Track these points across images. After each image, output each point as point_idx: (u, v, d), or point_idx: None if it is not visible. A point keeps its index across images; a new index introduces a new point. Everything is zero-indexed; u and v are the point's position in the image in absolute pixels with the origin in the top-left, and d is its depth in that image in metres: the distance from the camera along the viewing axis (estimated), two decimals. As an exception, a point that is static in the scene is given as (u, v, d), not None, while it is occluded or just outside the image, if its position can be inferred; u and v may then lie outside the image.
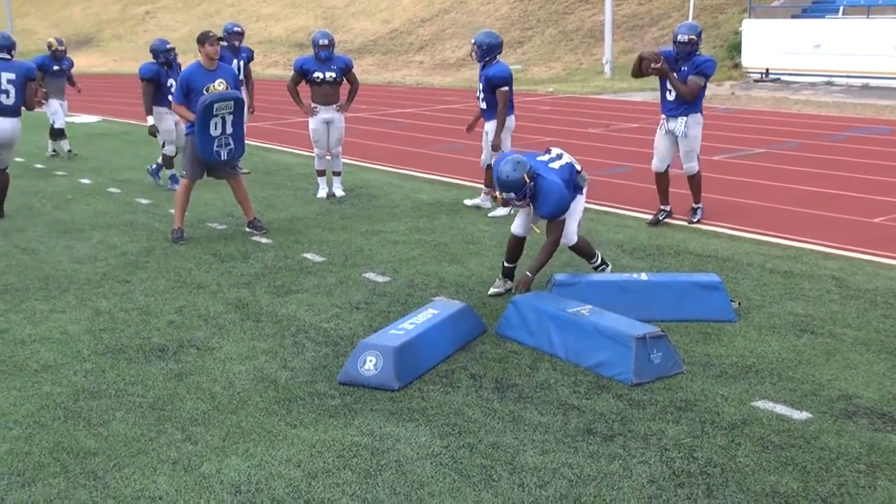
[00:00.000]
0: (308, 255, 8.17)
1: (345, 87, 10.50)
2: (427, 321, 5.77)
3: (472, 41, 9.40)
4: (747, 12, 24.41)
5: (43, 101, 13.71)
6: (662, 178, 8.85)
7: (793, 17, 23.48)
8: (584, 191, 6.88)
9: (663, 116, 8.74)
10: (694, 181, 8.93)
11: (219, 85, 8.64)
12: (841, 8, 22.68)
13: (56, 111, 14.04)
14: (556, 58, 28.73)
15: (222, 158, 8.68)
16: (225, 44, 11.69)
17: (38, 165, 13.84)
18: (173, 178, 11.41)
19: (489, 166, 9.45)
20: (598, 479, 4.22)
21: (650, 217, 8.96)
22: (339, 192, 10.78)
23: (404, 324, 5.74)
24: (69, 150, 14.28)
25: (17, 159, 14.10)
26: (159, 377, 5.53)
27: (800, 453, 4.42)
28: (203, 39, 8.68)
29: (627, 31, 28.40)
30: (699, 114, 8.65)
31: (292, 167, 12.99)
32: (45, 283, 7.54)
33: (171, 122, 11.34)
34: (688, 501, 4.03)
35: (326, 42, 10.27)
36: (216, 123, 8.47)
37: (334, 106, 10.43)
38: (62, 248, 8.66)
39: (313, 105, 10.38)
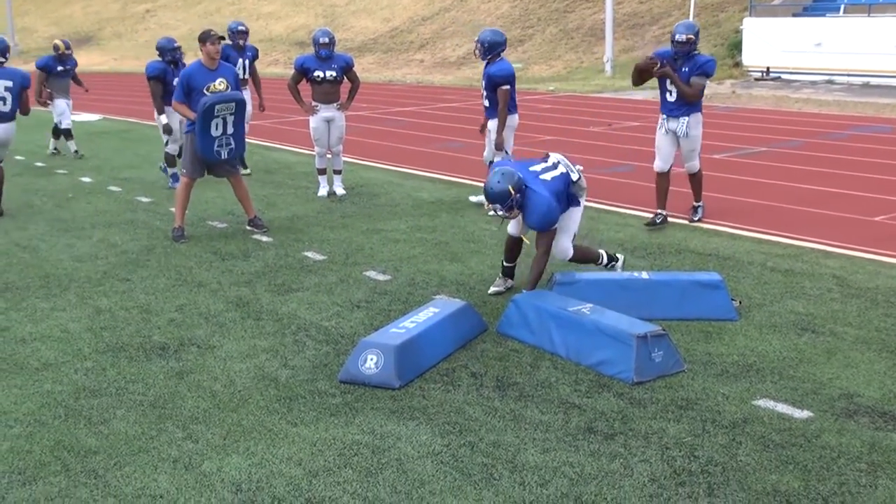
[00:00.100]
0: (309, 254, 8.17)
1: (345, 86, 10.50)
2: (428, 320, 5.76)
3: (476, 39, 9.39)
4: (748, 11, 24.38)
5: (48, 102, 13.78)
6: (664, 180, 8.80)
7: (794, 15, 23.45)
8: (582, 201, 6.72)
9: (663, 116, 8.71)
10: (695, 179, 8.92)
11: (219, 84, 8.64)
12: (842, 6, 22.66)
13: (63, 111, 14.03)
14: (557, 56, 28.72)
15: (222, 157, 8.69)
16: (230, 43, 11.72)
17: (39, 164, 13.84)
18: (174, 177, 11.40)
19: (492, 163, 9.44)
20: (599, 477, 4.22)
21: (649, 218, 8.89)
22: (339, 190, 10.78)
23: (405, 322, 5.74)
24: (76, 151, 14.27)
25: (18, 157, 14.14)
26: (160, 375, 5.53)
27: (801, 452, 4.42)
28: (204, 38, 8.68)
29: (628, 29, 28.39)
30: (699, 113, 8.65)
31: (293, 165, 12.99)
32: (45, 281, 7.54)
33: (176, 120, 11.34)
34: (689, 500, 4.02)
35: (327, 40, 10.27)
36: (217, 124, 8.48)
37: (335, 104, 10.42)
38: (63, 247, 8.66)
39: (314, 103, 10.37)
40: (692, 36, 8.33)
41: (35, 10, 52.66)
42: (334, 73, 10.28)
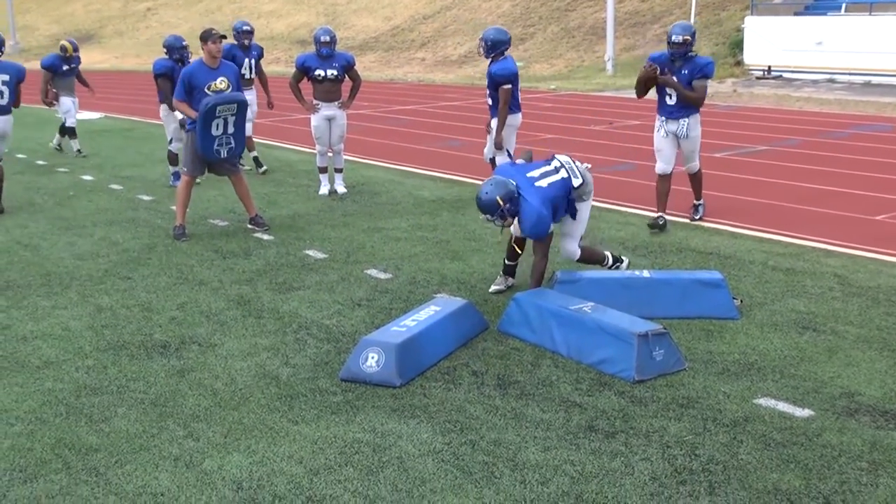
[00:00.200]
0: (310, 252, 8.17)
1: (347, 84, 10.50)
2: (429, 318, 5.77)
3: (480, 37, 9.36)
4: (749, 9, 24.38)
5: (54, 102, 13.80)
6: (666, 183, 8.75)
7: (795, 14, 23.44)
8: (589, 201, 6.66)
9: (661, 118, 8.64)
10: (696, 178, 8.91)
11: (220, 83, 8.65)
12: (843, 5, 22.64)
13: (69, 109, 14.05)
14: (558, 55, 28.71)
15: (222, 157, 8.71)
16: (235, 42, 11.73)
17: (40, 162, 13.84)
18: (175, 175, 11.40)
19: (492, 160, 9.42)
20: (599, 476, 4.22)
21: (651, 218, 8.80)
22: (340, 188, 10.78)
23: (406, 321, 5.74)
24: (78, 150, 14.27)
25: (20, 156, 14.15)
26: (161, 374, 5.54)
27: (802, 451, 4.42)
28: (206, 37, 8.68)
29: (629, 28, 28.38)
30: (698, 113, 8.60)
31: (294, 164, 12.99)
32: (46, 279, 7.54)
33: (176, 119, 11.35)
34: (689, 499, 4.03)
35: (328, 39, 10.27)
36: (218, 124, 8.50)
37: (336, 103, 10.42)
38: (64, 245, 8.66)
39: (315, 102, 10.37)
40: (688, 37, 8.30)
41: (36, 8, 52.67)
42: (335, 72, 10.28)
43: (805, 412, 4.82)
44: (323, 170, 10.79)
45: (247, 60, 11.80)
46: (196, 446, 4.59)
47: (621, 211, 9.44)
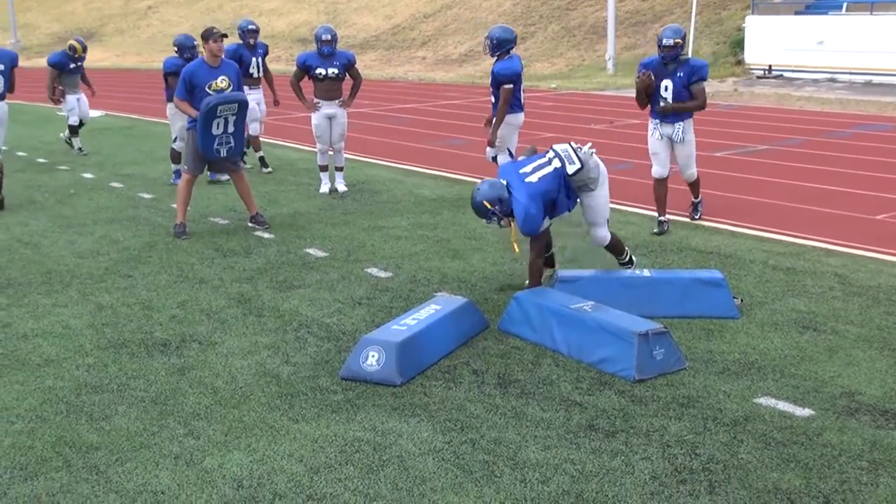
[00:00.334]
0: (310, 251, 8.17)
1: (347, 83, 10.49)
2: (429, 317, 5.77)
3: (486, 35, 9.34)
4: (750, 9, 24.37)
5: (61, 99, 13.83)
6: (663, 186, 8.72)
7: (796, 13, 23.43)
8: (600, 186, 6.53)
9: (655, 122, 8.57)
10: (695, 187, 8.89)
11: (221, 82, 8.66)
12: (844, 5, 22.63)
13: (72, 108, 14.06)
14: (559, 54, 28.70)
15: (222, 156, 8.72)
16: (241, 42, 11.74)
17: (41, 160, 13.84)
18: (177, 174, 11.40)
19: (494, 158, 9.41)
20: (600, 475, 4.22)
21: (657, 228, 8.65)
22: (341, 187, 10.78)
23: (407, 319, 5.75)
24: (79, 149, 14.28)
25: (20, 153, 14.15)
26: (161, 372, 5.54)
27: (802, 450, 4.42)
28: (207, 36, 8.69)
29: (630, 27, 28.37)
30: (692, 118, 8.54)
31: (295, 162, 12.99)
32: (47, 277, 7.55)
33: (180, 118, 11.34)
34: (690, 498, 4.03)
35: (329, 37, 10.27)
36: (218, 123, 8.52)
37: (337, 101, 10.42)
38: (65, 243, 8.66)
39: (316, 100, 10.38)
40: (679, 40, 8.25)
41: (37, 7, 52.65)
42: (336, 70, 10.29)
43: (805, 411, 4.82)
44: (324, 168, 10.79)
45: (254, 59, 11.80)
46: (196, 444, 4.59)
47: (622, 210, 9.43)
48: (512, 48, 9.14)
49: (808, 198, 9.89)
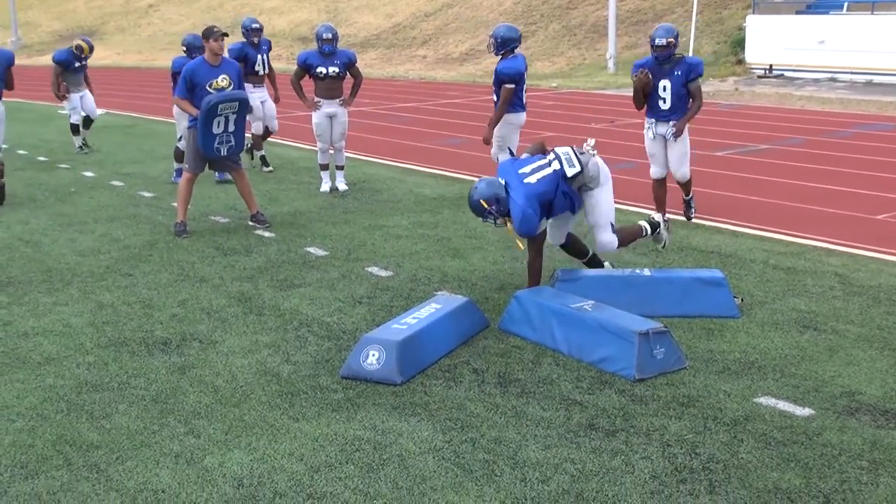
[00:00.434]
0: (311, 249, 8.17)
1: (348, 81, 10.50)
2: (430, 316, 5.77)
3: (490, 33, 9.33)
4: (751, 8, 24.35)
5: (66, 96, 13.86)
6: (662, 186, 8.70)
7: (797, 13, 23.41)
8: (600, 191, 6.44)
9: (651, 121, 8.54)
10: (686, 188, 8.79)
11: (222, 80, 8.67)
12: (845, 4, 22.62)
13: (75, 106, 14.07)
14: (560, 53, 28.69)
15: (222, 154, 8.72)
16: (244, 40, 11.74)
17: (41, 158, 13.84)
18: (178, 172, 11.41)
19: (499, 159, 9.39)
20: (600, 474, 4.22)
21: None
22: (342, 186, 10.79)
23: (407, 318, 5.75)
24: (80, 147, 14.28)
25: (20, 152, 14.15)
26: (162, 370, 5.54)
27: (802, 450, 4.42)
28: (208, 35, 8.70)
29: (631, 26, 28.36)
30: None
31: (295, 161, 12.99)
32: (48, 275, 7.55)
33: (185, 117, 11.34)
34: (690, 497, 4.03)
35: (330, 36, 10.27)
36: (219, 122, 8.52)
37: (337, 100, 10.43)
38: (65, 241, 8.67)
39: (316, 99, 10.38)
40: (672, 39, 8.22)
41: (38, 5, 52.63)
42: (337, 69, 10.29)
43: (805, 411, 4.82)
44: (324, 167, 10.79)
45: (259, 57, 11.80)
46: (197, 443, 4.59)
47: (623, 209, 9.42)
48: (516, 47, 9.12)
49: (808, 197, 9.89)
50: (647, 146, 8.66)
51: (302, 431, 4.70)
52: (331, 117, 10.44)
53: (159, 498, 4.10)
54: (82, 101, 14.12)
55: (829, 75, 21.60)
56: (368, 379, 5.27)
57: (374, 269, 7.51)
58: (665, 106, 8.40)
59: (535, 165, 6.39)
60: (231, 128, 8.63)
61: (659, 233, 6.93)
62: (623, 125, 15.88)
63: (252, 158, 12.37)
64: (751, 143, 13.47)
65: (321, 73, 10.25)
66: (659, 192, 8.71)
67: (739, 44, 24.16)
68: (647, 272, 6.56)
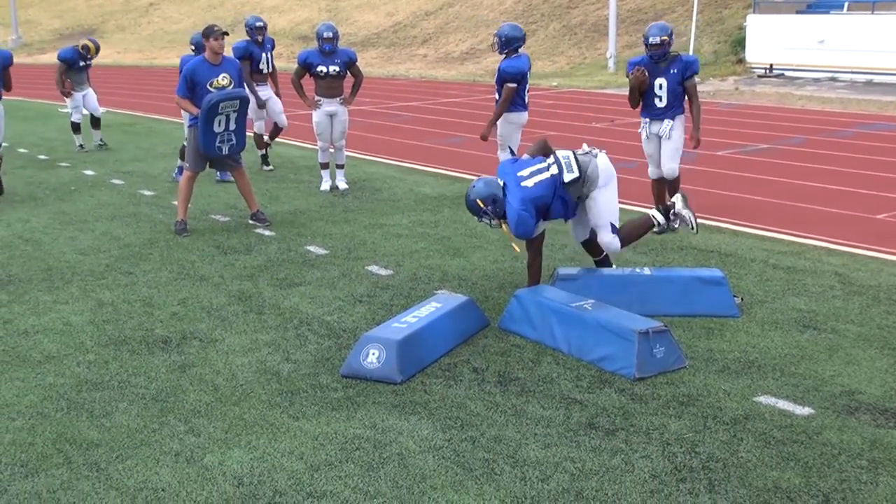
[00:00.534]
0: (311, 248, 8.17)
1: (349, 80, 10.50)
2: (430, 314, 5.77)
3: (495, 32, 9.32)
4: (751, 7, 24.34)
5: (70, 93, 13.88)
6: (661, 186, 8.72)
7: (797, 12, 23.40)
8: (602, 192, 6.36)
9: (646, 121, 8.50)
10: (672, 187, 8.54)
11: (223, 79, 8.67)
12: (845, 4, 22.60)
13: (77, 105, 14.09)
14: (560, 52, 28.69)
15: (223, 153, 8.73)
16: (248, 38, 11.73)
17: (42, 157, 13.84)
18: (179, 170, 11.41)
19: None
20: (600, 473, 4.23)
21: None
22: (342, 185, 10.79)
23: (407, 317, 5.75)
24: (80, 146, 14.28)
25: (21, 150, 14.15)
26: (162, 369, 5.54)
27: (802, 449, 4.42)
28: (208, 33, 8.70)
29: (632, 25, 28.35)
30: (683, 115, 8.45)
31: (296, 160, 12.99)
32: (48, 274, 7.55)
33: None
34: (689, 496, 4.03)
35: (330, 35, 10.27)
36: (220, 121, 8.52)
37: (338, 99, 10.43)
38: (66, 240, 8.67)
39: (317, 98, 10.38)
40: (666, 37, 8.18)
41: (39, 3, 52.61)
42: (337, 68, 10.29)
43: (805, 410, 4.82)
44: (324, 166, 10.79)
45: (264, 55, 11.81)
46: (197, 442, 4.60)
47: (623, 209, 9.39)
48: (520, 46, 9.11)
49: (808, 197, 9.89)
50: (645, 147, 8.64)
51: (302, 430, 4.70)
52: (331, 116, 10.44)
53: (159, 496, 4.10)
54: (85, 100, 14.14)
55: (830, 75, 21.60)
56: (368, 378, 5.27)
57: (375, 268, 7.51)
58: (661, 104, 8.36)
59: (533, 168, 6.34)
60: (232, 126, 8.64)
61: (676, 213, 6.65)
62: (623, 124, 15.88)
63: (267, 165, 12.32)
64: (751, 143, 13.47)
65: (322, 71, 10.25)
66: (659, 190, 8.70)
67: (740, 43, 24.15)
68: (647, 271, 6.56)
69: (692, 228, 6.77)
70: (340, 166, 10.80)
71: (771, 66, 22.82)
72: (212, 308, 6.64)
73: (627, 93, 8.62)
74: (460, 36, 32.47)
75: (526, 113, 9.29)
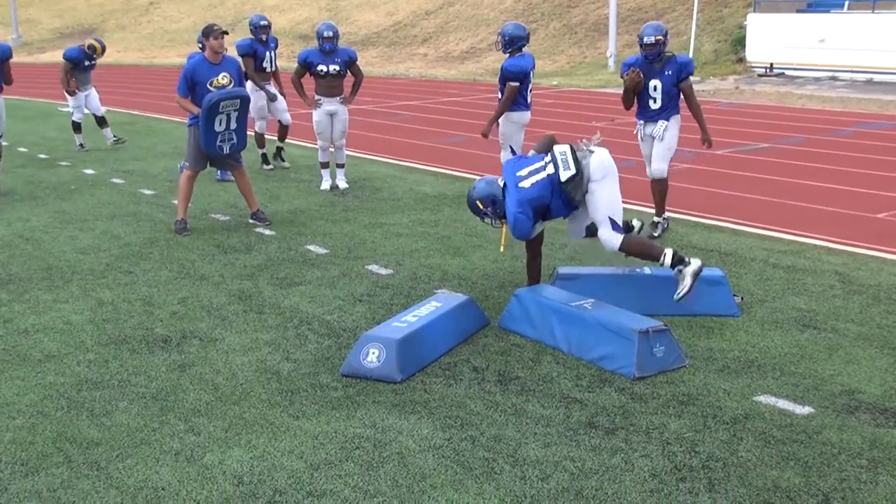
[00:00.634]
0: (311, 247, 8.18)
1: (349, 80, 10.50)
2: (430, 314, 5.77)
3: (499, 31, 9.32)
4: (752, 6, 24.35)
5: (75, 92, 13.90)
6: (663, 188, 8.70)
7: (797, 11, 23.40)
8: (601, 185, 6.12)
9: (641, 122, 8.44)
10: (660, 188, 8.41)
11: (223, 78, 8.67)
12: (846, 3, 22.61)
13: (79, 104, 14.10)
14: (560, 51, 28.69)
15: (224, 152, 8.73)
16: (252, 37, 11.74)
17: (42, 156, 13.84)
18: (182, 168, 11.40)
19: None
20: (599, 472, 4.23)
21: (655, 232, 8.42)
22: (342, 184, 10.79)
23: (407, 316, 5.75)
24: (81, 145, 14.29)
25: (21, 149, 14.15)
26: (162, 368, 5.55)
27: (801, 448, 4.42)
28: (208, 33, 8.70)
29: (632, 24, 28.34)
30: (679, 115, 8.38)
31: (296, 159, 12.98)
32: (48, 273, 7.55)
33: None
34: (689, 495, 4.03)
35: (331, 34, 10.28)
36: (221, 120, 8.52)
37: (338, 98, 10.43)
38: (66, 239, 8.67)
39: (317, 97, 10.38)
40: (661, 37, 8.09)
41: (39, 2, 52.61)
42: (338, 67, 10.29)
43: (805, 409, 4.83)
44: (325, 165, 10.79)
45: (268, 54, 11.81)
46: (197, 441, 4.60)
47: (624, 208, 9.40)
48: (524, 45, 9.11)
49: (808, 196, 9.89)
50: (642, 149, 8.60)
51: (302, 429, 4.70)
52: (331, 115, 10.44)
53: (159, 495, 4.10)
54: (87, 100, 14.14)
55: (830, 74, 21.60)
56: (368, 377, 5.28)
57: (375, 267, 7.51)
58: (655, 106, 8.28)
59: (532, 168, 6.23)
60: (233, 125, 8.64)
61: (682, 273, 6.06)
62: (624, 123, 15.87)
63: (282, 160, 12.32)
64: (751, 142, 13.47)
65: (322, 71, 10.26)
66: (663, 188, 8.68)
67: (740, 42, 24.15)
68: (647, 270, 6.55)
69: (680, 295, 6.17)
70: (341, 165, 10.80)
71: (771, 65, 22.83)
72: (212, 307, 6.64)
73: (622, 94, 8.58)
74: (460, 35, 32.47)
75: (528, 112, 9.28)
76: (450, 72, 28.06)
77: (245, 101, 8.71)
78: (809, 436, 4.54)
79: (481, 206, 6.24)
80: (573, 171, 6.09)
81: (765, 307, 6.39)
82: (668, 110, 8.28)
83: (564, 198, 6.17)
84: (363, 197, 10.30)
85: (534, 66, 9.28)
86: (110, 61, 36.95)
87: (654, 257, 6.14)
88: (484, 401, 5.00)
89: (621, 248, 6.14)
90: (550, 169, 6.17)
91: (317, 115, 10.44)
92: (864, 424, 4.65)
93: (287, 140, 12.58)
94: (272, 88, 11.85)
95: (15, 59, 11.21)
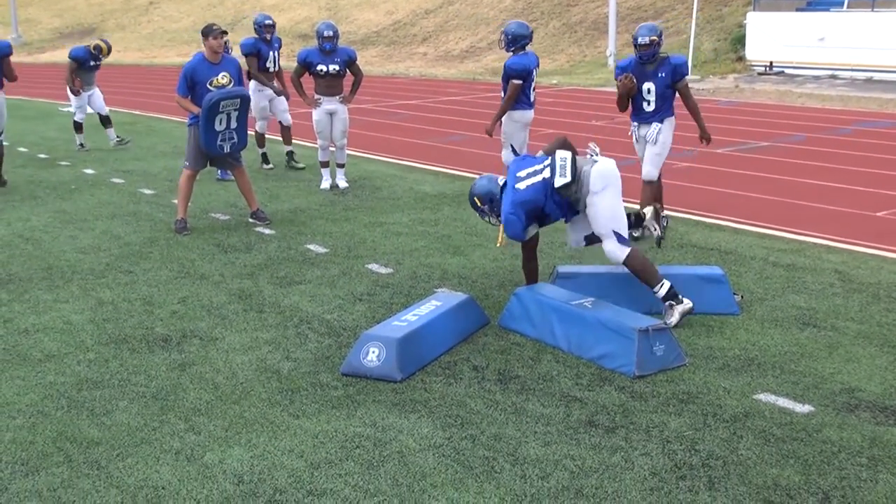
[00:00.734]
0: (311, 247, 8.18)
1: (348, 79, 10.50)
2: (430, 313, 5.77)
3: (502, 30, 9.32)
4: (751, 5, 24.34)
5: (81, 90, 13.93)
6: (656, 187, 8.69)
7: (797, 9, 23.40)
8: (601, 197, 6.00)
9: (635, 124, 8.36)
10: (650, 191, 8.29)
11: (222, 78, 8.68)
12: (846, 1, 22.61)
13: (81, 104, 14.11)
14: (560, 50, 28.68)
15: (225, 152, 8.73)
16: (256, 36, 11.73)
17: (42, 155, 13.84)
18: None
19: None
20: (599, 471, 4.23)
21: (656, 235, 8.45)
22: (342, 183, 10.79)
23: (407, 315, 5.75)
24: (81, 145, 14.29)
25: (21, 149, 14.15)
26: (162, 367, 5.55)
27: (802, 446, 4.42)
28: (207, 32, 8.70)
29: (632, 23, 28.32)
30: (673, 117, 8.29)
31: (296, 158, 12.97)
32: (48, 272, 7.55)
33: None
34: (689, 494, 4.03)
35: (330, 33, 10.28)
36: (221, 119, 8.52)
37: (338, 97, 10.43)
38: (66, 238, 8.67)
39: (317, 96, 10.38)
40: (655, 38, 8.03)
41: (39, 2, 52.61)
42: (337, 67, 10.29)
43: (805, 408, 4.83)
44: (325, 164, 10.79)
45: (271, 54, 11.81)
46: (197, 440, 4.60)
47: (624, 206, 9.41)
48: (527, 44, 9.10)
49: (808, 194, 9.89)
50: (637, 151, 8.56)
51: (302, 428, 4.70)
52: (331, 114, 10.44)
53: (159, 494, 4.10)
54: (90, 100, 14.15)
55: (830, 72, 21.60)
56: (368, 376, 5.28)
57: (375, 267, 7.51)
58: (649, 108, 8.19)
59: (531, 170, 6.18)
60: (233, 125, 8.64)
61: (672, 308, 6.02)
62: (623, 122, 15.84)
63: (295, 162, 12.31)
64: (751, 141, 13.47)
65: (321, 70, 10.26)
66: (655, 189, 8.67)
67: (740, 41, 24.15)
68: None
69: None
70: (341, 165, 10.81)
71: (771, 63, 22.82)
72: (212, 306, 6.64)
73: (616, 98, 8.53)
74: (460, 34, 32.47)
75: (531, 111, 9.27)
76: (449, 71, 28.06)
77: (245, 100, 8.72)
78: (809, 434, 4.54)
79: (479, 204, 6.26)
80: (568, 178, 6.00)
81: (765, 305, 6.39)
82: (661, 112, 8.20)
83: (563, 202, 6.11)
84: (363, 196, 10.30)
85: (538, 65, 9.27)
86: (110, 61, 36.90)
87: (651, 283, 6.06)
88: (484, 400, 5.01)
89: (625, 263, 6.06)
90: (546, 174, 6.10)
91: (316, 114, 10.44)
92: (864, 423, 4.65)
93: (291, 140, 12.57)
94: (277, 87, 11.86)
95: (14, 59, 11.18)
